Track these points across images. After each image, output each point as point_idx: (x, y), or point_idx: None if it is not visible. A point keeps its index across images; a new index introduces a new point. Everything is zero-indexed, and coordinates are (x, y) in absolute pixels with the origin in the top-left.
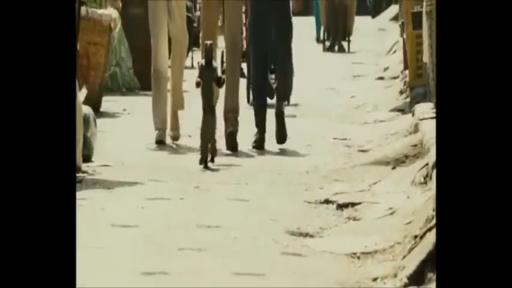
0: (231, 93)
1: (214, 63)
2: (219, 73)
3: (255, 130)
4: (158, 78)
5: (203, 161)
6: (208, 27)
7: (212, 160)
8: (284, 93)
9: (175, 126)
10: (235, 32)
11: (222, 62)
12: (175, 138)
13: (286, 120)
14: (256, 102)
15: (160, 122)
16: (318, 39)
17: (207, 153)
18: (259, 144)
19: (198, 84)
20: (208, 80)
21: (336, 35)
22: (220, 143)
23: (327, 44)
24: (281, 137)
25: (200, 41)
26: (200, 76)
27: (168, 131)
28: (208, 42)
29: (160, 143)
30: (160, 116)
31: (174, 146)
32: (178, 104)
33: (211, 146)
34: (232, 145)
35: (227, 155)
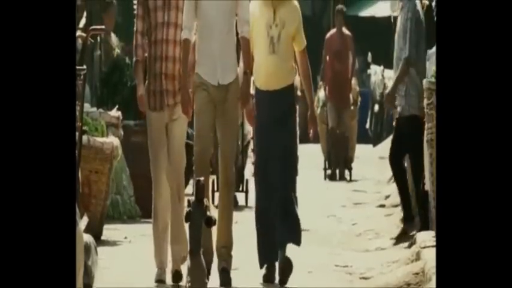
0: (224, 226)
1: (205, 202)
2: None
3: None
4: (156, 208)
5: None
6: (202, 160)
7: None
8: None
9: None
10: (228, 166)
11: (213, 191)
12: (177, 279)
13: (288, 245)
14: (261, 229)
15: (160, 261)
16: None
17: None
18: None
19: (187, 219)
20: (197, 221)
21: (337, 164)
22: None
23: (328, 172)
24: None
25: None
26: (190, 215)
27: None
28: (201, 178)
29: (160, 282)
30: (160, 255)
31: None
32: (174, 239)
33: None
34: (225, 283)
35: None
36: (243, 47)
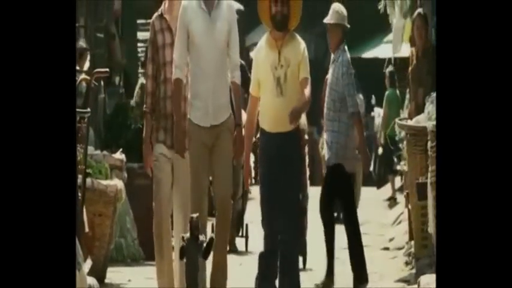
0: (219, 261)
1: (201, 238)
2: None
3: None
4: (160, 246)
5: None
6: (196, 196)
7: None
8: None
9: None
10: (225, 197)
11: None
12: None
13: None
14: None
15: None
16: None
17: None
18: None
19: (182, 256)
20: (193, 257)
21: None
22: None
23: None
24: None
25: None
26: (183, 251)
27: None
28: (195, 215)
29: None
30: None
31: None
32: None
33: None
34: None
35: None
36: (234, 92)
